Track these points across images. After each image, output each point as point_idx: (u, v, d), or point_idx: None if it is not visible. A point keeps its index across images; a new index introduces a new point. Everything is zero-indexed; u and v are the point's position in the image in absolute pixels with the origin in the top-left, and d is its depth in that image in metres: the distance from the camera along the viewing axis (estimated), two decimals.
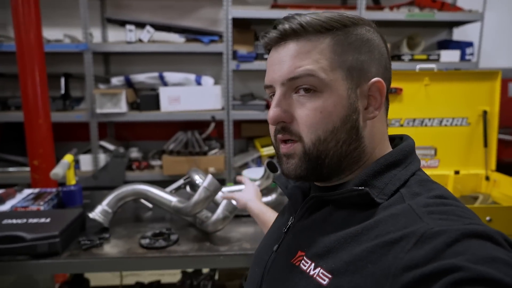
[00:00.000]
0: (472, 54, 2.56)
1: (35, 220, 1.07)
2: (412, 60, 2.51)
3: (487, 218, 1.21)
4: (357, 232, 0.48)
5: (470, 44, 2.56)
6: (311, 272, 0.50)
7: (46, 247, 1.00)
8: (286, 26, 0.52)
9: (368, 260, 0.44)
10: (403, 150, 0.55)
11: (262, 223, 0.97)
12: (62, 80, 2.46)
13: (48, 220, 1.08)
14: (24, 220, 1.07)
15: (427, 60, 2.52)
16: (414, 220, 0.44)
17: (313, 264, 0.50)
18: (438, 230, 0.42)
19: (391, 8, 2.53)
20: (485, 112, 1.52)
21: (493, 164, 1.55)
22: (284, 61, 0.53)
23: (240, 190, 1.40)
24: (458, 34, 2.88)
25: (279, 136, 0.55)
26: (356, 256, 0.46)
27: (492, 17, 2.80)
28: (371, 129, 0.55)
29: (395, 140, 0.61)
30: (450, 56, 2.52)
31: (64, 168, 1.28)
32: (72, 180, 1.34)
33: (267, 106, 2.51)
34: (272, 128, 0.57)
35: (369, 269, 0.44)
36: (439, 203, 0.47)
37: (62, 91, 2.46)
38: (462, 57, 2.55)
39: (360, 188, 0.50)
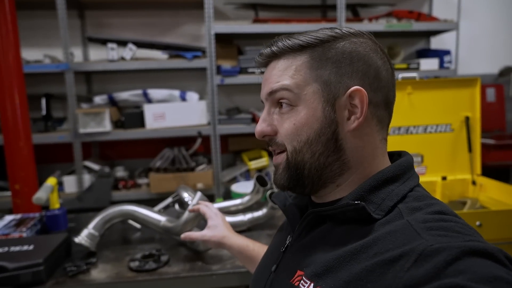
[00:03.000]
0: (450, 61, 2.64)
1: (17, 248, 1.03)
2: None
3: (477, 223, 1.22)
4: (356, 250, 0.47)
5: (447, 52, 2.63)
6: None
7: (29, 276, 0.95)
8: (267, 49, 0.58)
9: (368, 280, 0.43)
10: (400, 165, 0.55)
11: (246, 260, 0.86)
12: (43, 101, 2.41)
13: (31, 247, 1.04)
14: (6, 249, 1.02)
15: (408, 69, 2.58)
16: (413, 237, 0.44)
17: (312, 284, 0.49)
18: (437, 247, 0.41)
19: (370, 19, 2.59)
20: (467, 118, 1.56)
21: (478, 168, 1.58)
22: (267, 78, 0.58)
23: (235, 205, 1.38)
24: (436, 43, 2.97)
25: (269, 148, 0.60)
26: (356, 276, 0.45)
27: (466, 26, 2.90)
28: (356, 141, 0.54)
29: (393, 156, 0.60)
30: (429, 64, 2.59)
31: (47, 192, 1.24)
32: (56, 204, 1.30)
33: (253, 119, 2.51)
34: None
35: None
36: (438, 219, 0.46)
37: (43, 112, 2.41)
38: (441, 65, 2.62)
39: (356, 202, 0.49)
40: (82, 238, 1.11)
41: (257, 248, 0.86)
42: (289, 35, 0.57)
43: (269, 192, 1.29)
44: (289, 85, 0.54)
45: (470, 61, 3.01)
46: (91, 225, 1.14)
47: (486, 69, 3.05)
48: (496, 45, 3.07)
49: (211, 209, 1.00)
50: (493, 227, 1.23)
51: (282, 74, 0.55)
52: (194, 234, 0.94)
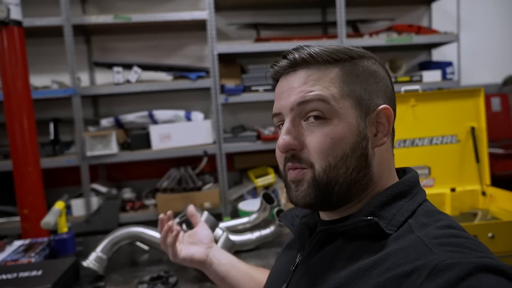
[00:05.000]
0: (452, 73, 2.64)
1: (26, 274, 1.02)
2: (396, 82, 2.57)
3: (489, 234, 1.19)
4: (367, 266, 0.47)
5: (449, 64, 2.65)
6: None
7: None
8: (296, 55, 0.54)
9: None
10: (408, 181, 0.55)
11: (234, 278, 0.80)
12: (51, 126, 2.45)
13: (39, 272, 1.03)
14: (15, 275, 1.02)
15: (410, 81, 2.59)
16: (425, 252, 0.43)
17: None
18: (449, 262, 0.41)
19: (371, 34, 2.62)
20: (473, 128, 1.55)
21: (487, 178, 1.56)
22: (294, 87, 0.54)
23: (242, 224, 1.36)
24: (437, 55, 2.98)
25: (289, 165, 0.55)
26: None
27: (467, 37, 2.92)
28: (379, 157, 0.55)
29: (398, 173, 0.61)
30: (432, 76, 2.60)
31: (55, 216, 1.24)
32: (64, 228, 1.30)
33: (258, 137, 2.52)
34: (280, 156, 0.57)
35: None
36: (449, 235, 0.46)
37: (51, 137, 2.45)
38: (444, 77, 2.62)
39: (369, 218, 0.49)
40: (90, 261, 1.11)
41: (245, 269, 0.81)
42: (308, 46, 0.55)
43: (276, 210, 1.28)
44: (326, 96, 0.52)
45: (473, 71, 3.01)
46: (99, 248, 1.14)
47: (489, 79, 3.05)
48: (498, 54, 3.08)
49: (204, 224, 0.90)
50: (506, 238, 1.21)
51: (316, 83, 0.53)
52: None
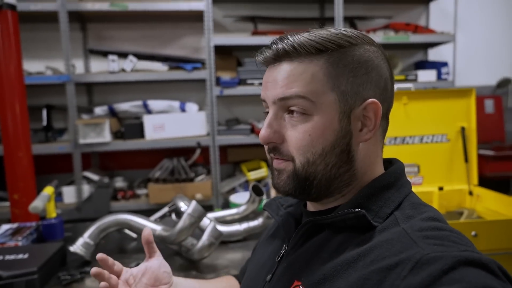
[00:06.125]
0: (448, 73, 2.66)
1: (12, 257, 1.03)
2: None
3: (473, 233, 1.21)
4: (353, 258, 0.47)
5: (445, 64, 2.66)
6: None
7: (23, 284, 0.95)
8: (279, 46, 0.53)
9: None
10: (394, 173, 0.56)
11: None
12: (44, 112, 2.44)
13: (26, 256, 1.04)
14: (1, 257, 1.03)
15: (406, 80, 2.60)
16: (409, 245, 0.44)
17: None
18: (434, 256, 0.41)
19: (368, 32, 2.63)
20: (463, 128, 1.56)
21: (475, 179, 1.57)
22: (277, 81, 0.53)
23: (231, 215, 1.37)
24: (433, 54, 3.00)
25: (271, 155, 0.57)
26: (353, 284, 0.45)
27: (463, 38, 2.94)
28: (364, 152, 0.54)
29: (384, 164, 0.60)
30: (427, 76, 2.61)
31: (44, 201, 1.24)
32: (52, 213, 1.31)
33: (252, 130, 2.53)
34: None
35: None
36: (433, 227, 0.47)
37: (44, 123, 2.43)
38: (439, 77, 2.64)
39: (356, 210, 0.49)
40: (77, 247, 1.11)
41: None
42: (298, 32, 0.53)
43: (264, 202, 1.29)
44: (305, 92, 0.51)
45: (468, 72, 3.03)
46: (87, 234, 1.14)
47: (484, 80, 3.07)
48: (493, 56, 3.10)
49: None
50: (489, 237, 1.23)
51: (297, 79, 0.51)
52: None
